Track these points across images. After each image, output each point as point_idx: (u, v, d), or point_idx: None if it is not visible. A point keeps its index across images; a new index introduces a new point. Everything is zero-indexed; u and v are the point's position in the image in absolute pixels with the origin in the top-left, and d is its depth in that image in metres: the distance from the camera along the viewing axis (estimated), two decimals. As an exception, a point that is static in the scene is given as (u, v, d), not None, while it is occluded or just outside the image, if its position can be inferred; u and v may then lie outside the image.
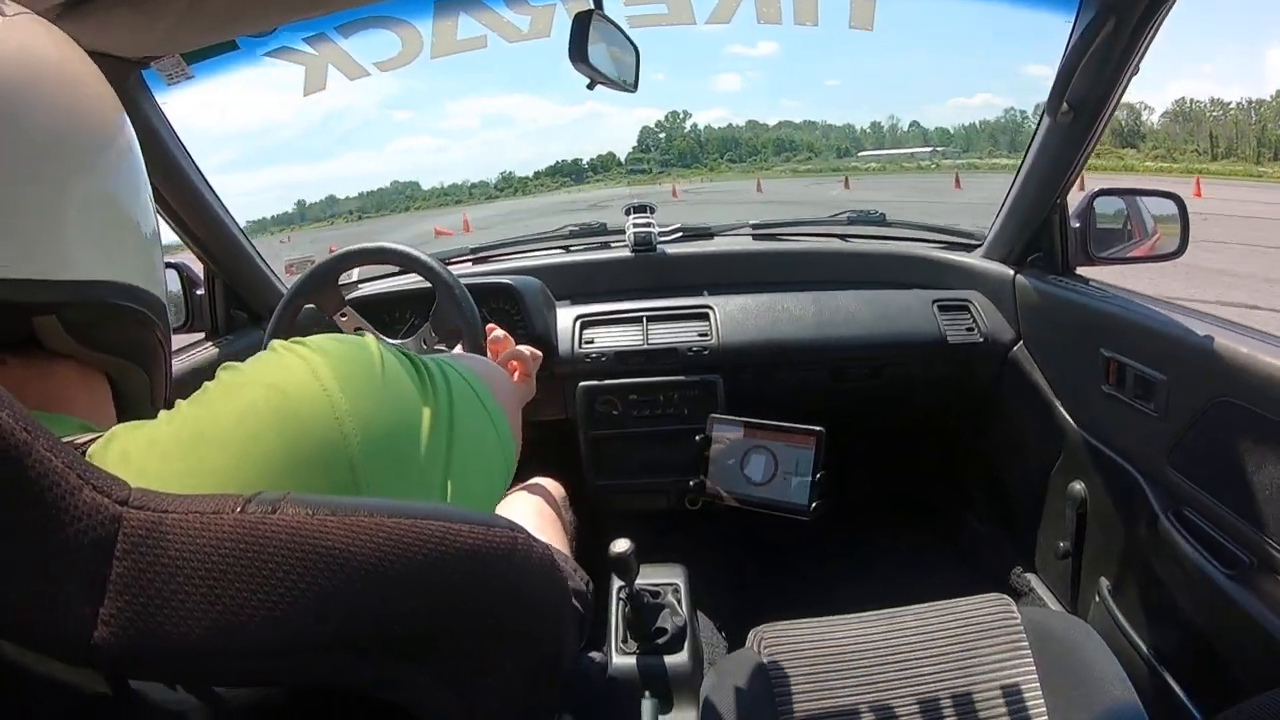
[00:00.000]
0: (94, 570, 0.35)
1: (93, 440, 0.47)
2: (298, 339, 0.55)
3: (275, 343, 0.56)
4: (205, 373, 0.60)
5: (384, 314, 1.87)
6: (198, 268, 1.91)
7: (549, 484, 1.42)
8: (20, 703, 0.36)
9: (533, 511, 1.30)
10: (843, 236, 2.40)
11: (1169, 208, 1.77)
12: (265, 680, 0.39)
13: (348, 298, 1.85)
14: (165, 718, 0.38)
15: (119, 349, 0.60)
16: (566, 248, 2.34)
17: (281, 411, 0.48)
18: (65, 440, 0.43)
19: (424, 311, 1.89)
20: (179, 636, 0.35)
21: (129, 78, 1.45)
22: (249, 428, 0.47)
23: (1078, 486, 1.70)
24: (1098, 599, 1.63)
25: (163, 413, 0.50)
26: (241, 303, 1.95)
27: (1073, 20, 1.53)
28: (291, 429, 0.48)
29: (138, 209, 0.60)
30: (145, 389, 0.65)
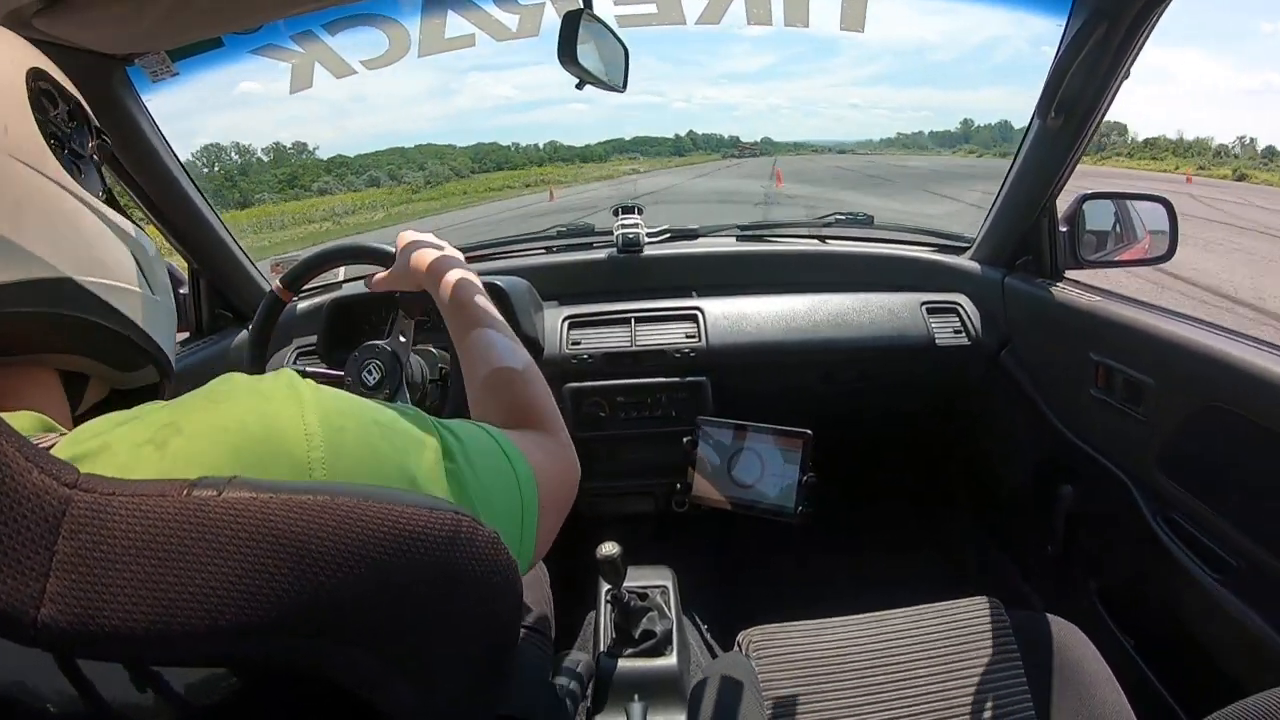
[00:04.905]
0: (42, 549, 0.36)
1: (55, 441, 0.46)
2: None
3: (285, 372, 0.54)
4: (194, 373, 0.59)
5: (370, 314, 1.85)
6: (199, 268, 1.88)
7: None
8: None
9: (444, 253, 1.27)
10: (830, 239, 2.39)
11: (1158, 212, 1.77)
12: (211, 661, 0.39)
13: (333, 297, 1.83)
14: (113, 700, 0.38)
15: (31, 347, 0.58)
16: (550, 248, 2.32)
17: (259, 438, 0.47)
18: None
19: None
20: (124, 615, 0.36)
21: (114, 75, 1.42)
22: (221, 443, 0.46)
23: (1066, 490, 1.70)
24: (1087, 602, 1.64)
25: (144, 412, 0.48)
26: (226, 302, 1.93)
27: (1064, 24, 1.53)
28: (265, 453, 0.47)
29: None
30: (110, 376, 0.65)
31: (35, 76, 0.60)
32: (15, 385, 0.56)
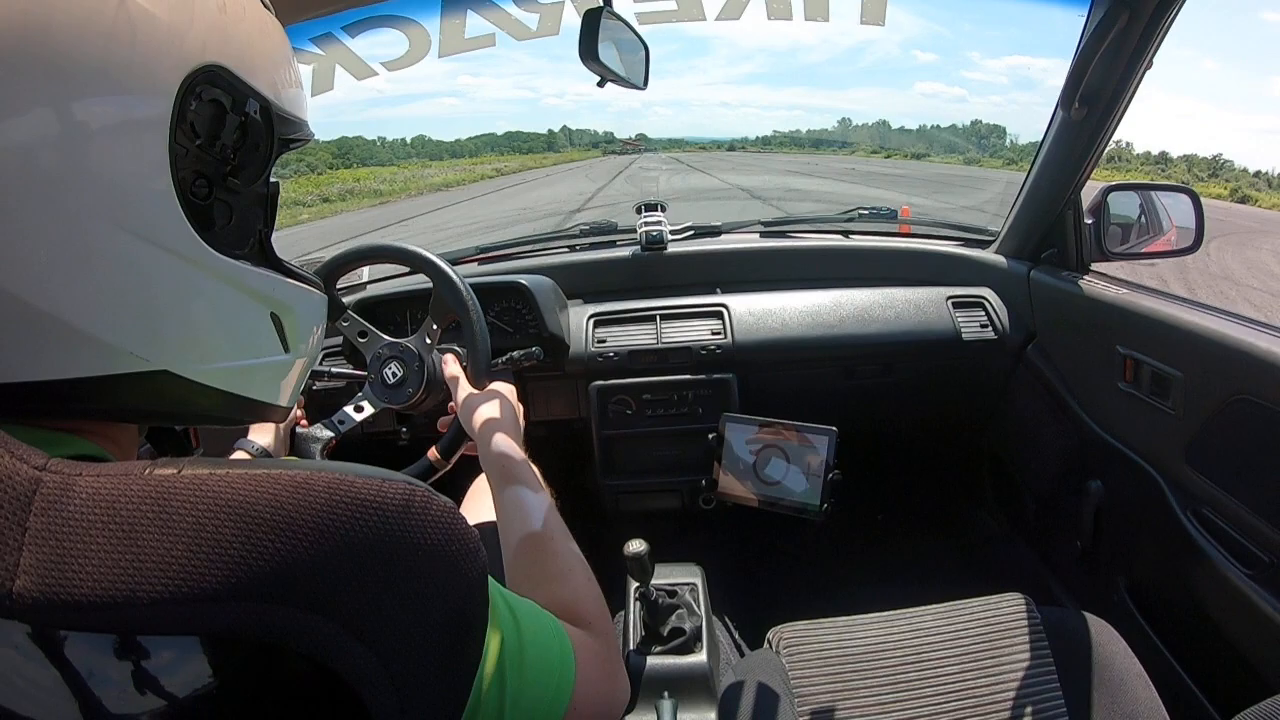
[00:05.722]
0: (15, 526, 0.38)
1: None
2: None
3: None
4: None
5: (392, 314, 1.86)
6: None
7: (503, 387, 1.34)
8: None
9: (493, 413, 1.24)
10: (853, 234, 2.39)
11: (1184, 203, 1.75)
12: (178, 628, 0.40)
13: (357, 298, 1.85)
14: (88, 674, 0.39)
15: (108, 419, 0.54)
16: (573, 246, 2.33)
17: None
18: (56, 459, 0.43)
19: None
20: (92, 584, 0.38)
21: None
22: None
23: (1094, 485, 1.69)
24: (1116, 598, 1.62)
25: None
26: None
27: (1085, 16, 1.52)
28: None
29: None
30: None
31: (202, 83, 0.50)
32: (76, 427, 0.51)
